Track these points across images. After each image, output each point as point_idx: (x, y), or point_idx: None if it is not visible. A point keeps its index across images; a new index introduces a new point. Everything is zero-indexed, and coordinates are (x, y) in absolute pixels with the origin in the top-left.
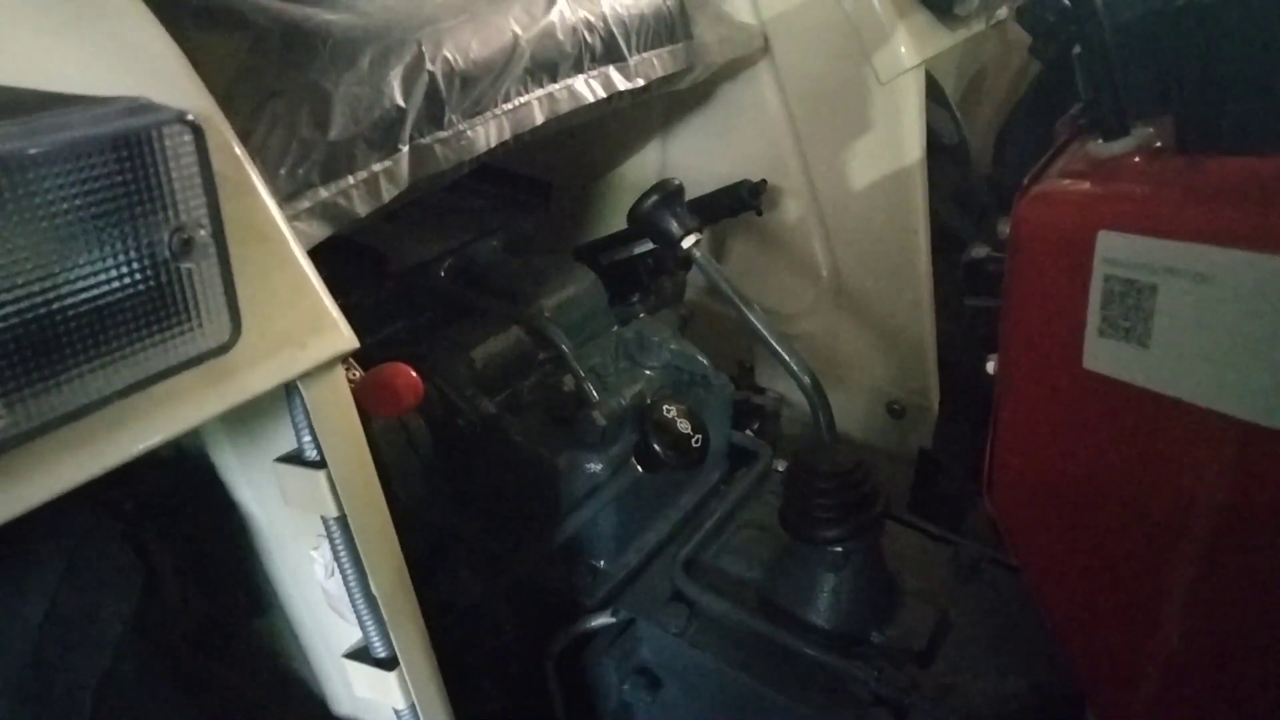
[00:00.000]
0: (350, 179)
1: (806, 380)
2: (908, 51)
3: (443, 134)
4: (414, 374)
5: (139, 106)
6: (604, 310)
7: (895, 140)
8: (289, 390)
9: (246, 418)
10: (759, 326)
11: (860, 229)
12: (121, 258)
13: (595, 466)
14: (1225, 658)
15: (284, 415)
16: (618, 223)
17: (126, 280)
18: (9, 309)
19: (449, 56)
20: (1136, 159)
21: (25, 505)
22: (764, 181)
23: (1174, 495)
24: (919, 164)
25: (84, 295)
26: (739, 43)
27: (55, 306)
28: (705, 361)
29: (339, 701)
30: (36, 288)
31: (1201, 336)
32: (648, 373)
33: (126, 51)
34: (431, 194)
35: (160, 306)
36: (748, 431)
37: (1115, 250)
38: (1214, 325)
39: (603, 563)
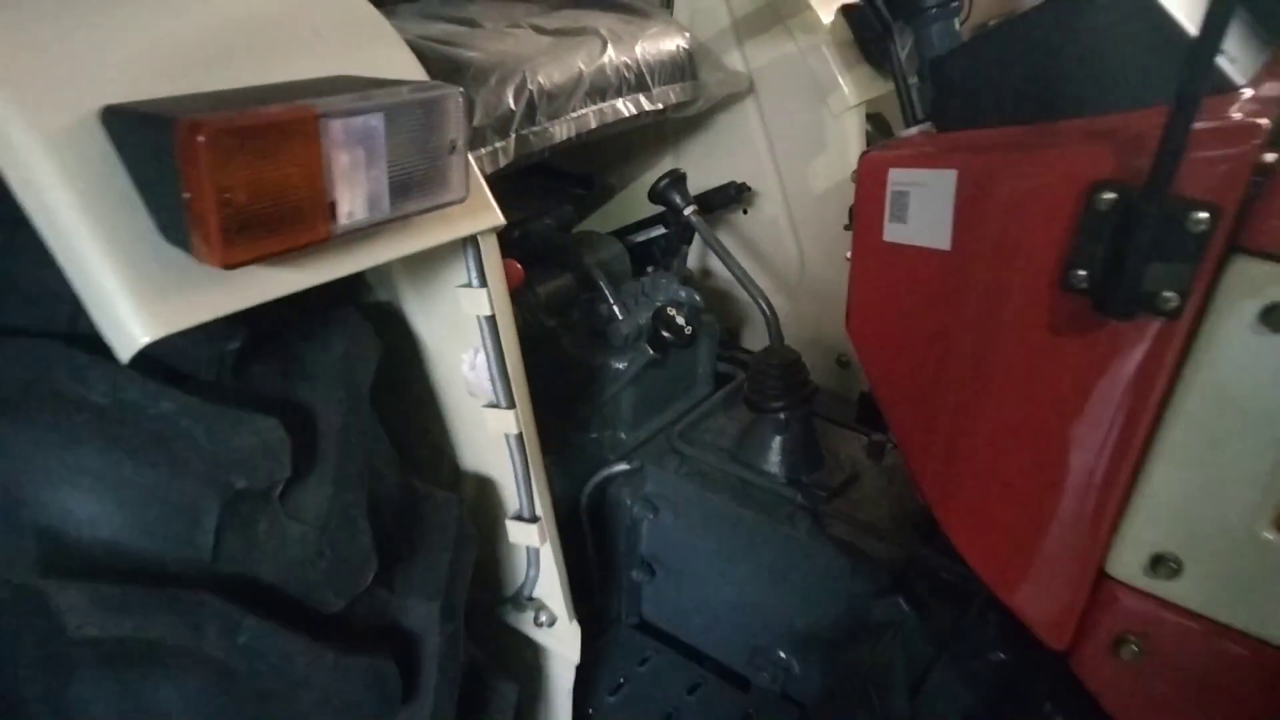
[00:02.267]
0: (482, 150)
1: (763, 302)
2: (850, 94)
3: (535, 129)
4: (517, 265)
5: (438, 85)
6: (628, 269)
7: (844, 159)
8: (466, 243)
9: (432, 265)
10: (732, 264)
11: (820, 225)
12: (431, 152)
13: (620, 365)
14: (989, 443)
15: (459, 262)
16: (639, 213)
17: (431, 162)
18: (398, 171)
19: (541, 80)
20: (916, 136)
21: (397, 253)
22: (746, 185)
23: (929, 313)
24: None
25: (417, 167)
26: (731, 83)
27: (408, 171)
28: (699, 299)
29: (464, 459)
30: (401, 165)
31: (925, 212)
32: (657, 304)
33: (402, 63)
34: (518, 173)
35: (442, 174)
36: None
37: (896, 177)
38: (927, 206)
39: (623, 434)
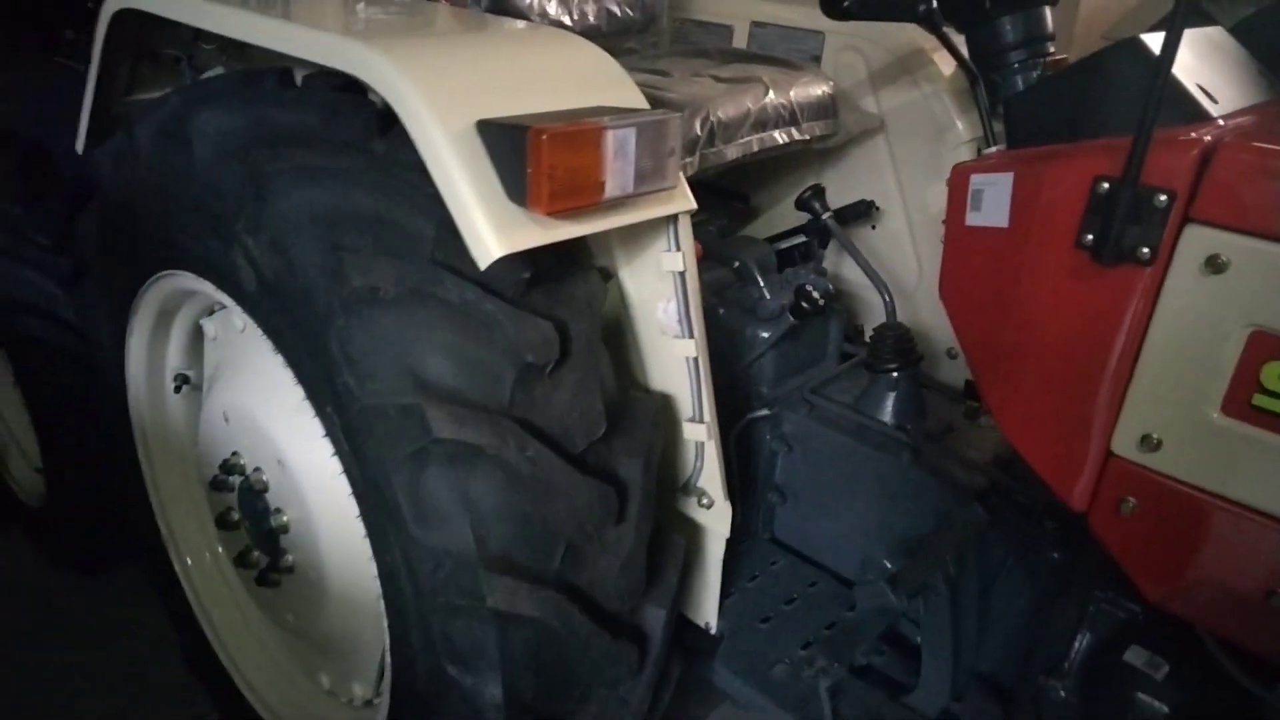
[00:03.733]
0: None
1: (883, 287)
2: (964, 131)
3: (713, 150)
4: (699, 242)
5: (666, 112)
6: (774, 266)
7: None
8: (670, 219)
9: (642, 237)
10: (858, 256)
11: (936, 241)
12: (658, 154)
13: (765, 333)
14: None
15: (662, 234)
16: (786, 225)
17: (658, 161)
18: (639, 165)
19: (720, 114)
20: (992, 153)
21: (632, 220)
22: (875, 203)
23: (994, 272)
24: None
25: (649, 163)
26: (866, 122)
27: (644, 166)
28: (831, 288)
29: (652, 380)
30: (640, 161)
31: (992, 203)
32: (797, 284)
33: (637, 100)
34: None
35: (662, 170)
36: None
37: (975, 180)
38: (994, 198)
39: (765, 389)
